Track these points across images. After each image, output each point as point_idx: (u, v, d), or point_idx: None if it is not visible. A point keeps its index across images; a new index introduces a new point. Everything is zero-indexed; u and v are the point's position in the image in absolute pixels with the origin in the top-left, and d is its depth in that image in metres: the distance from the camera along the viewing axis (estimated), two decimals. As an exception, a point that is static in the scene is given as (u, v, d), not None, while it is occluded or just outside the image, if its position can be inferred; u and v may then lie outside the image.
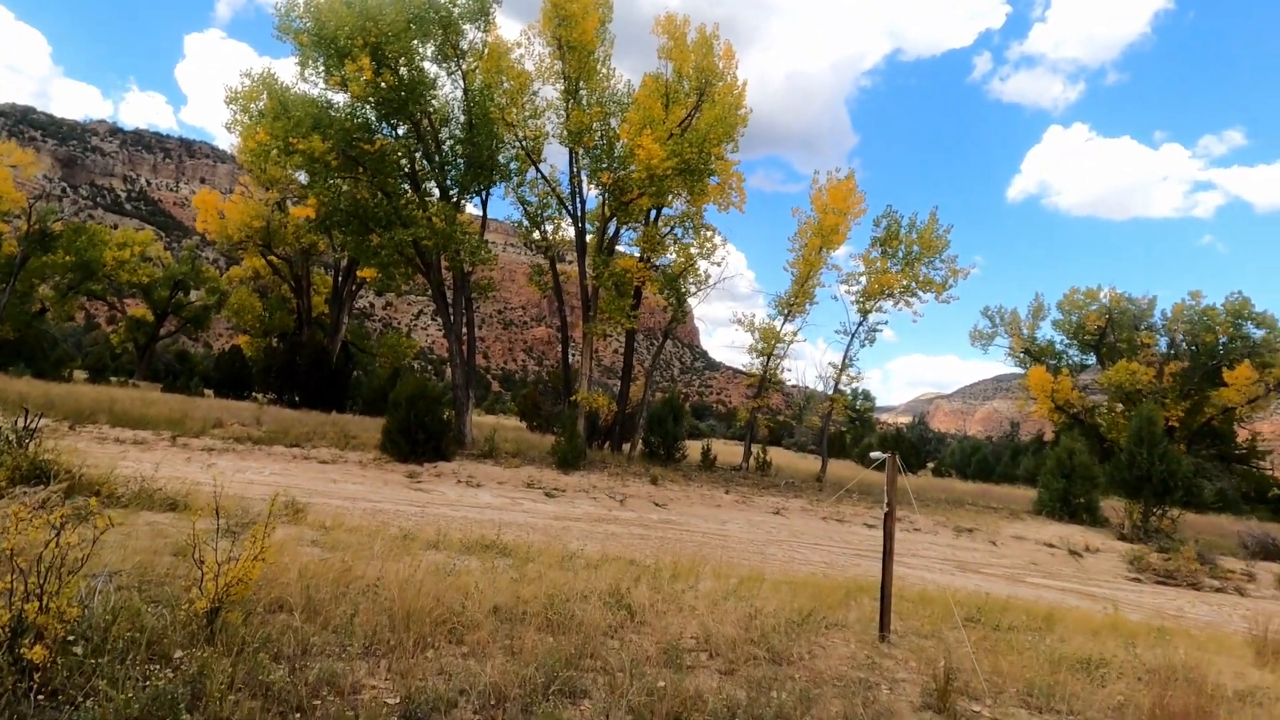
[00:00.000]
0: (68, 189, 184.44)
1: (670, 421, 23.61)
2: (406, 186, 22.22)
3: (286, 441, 19.76)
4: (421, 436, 19.77)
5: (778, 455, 39.98)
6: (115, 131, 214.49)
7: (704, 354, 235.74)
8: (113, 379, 45.46)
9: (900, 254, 25.89)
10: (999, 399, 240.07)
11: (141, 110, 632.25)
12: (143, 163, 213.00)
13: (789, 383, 29.73)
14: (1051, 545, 18.00)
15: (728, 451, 29.60)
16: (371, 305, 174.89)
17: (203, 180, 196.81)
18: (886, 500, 6.16)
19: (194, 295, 51.93)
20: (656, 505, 18.83)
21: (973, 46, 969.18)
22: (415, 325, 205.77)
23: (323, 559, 5.92)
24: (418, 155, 22.37)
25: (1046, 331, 42.07)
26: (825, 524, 18.56)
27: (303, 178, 21.87)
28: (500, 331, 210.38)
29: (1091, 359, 41.07)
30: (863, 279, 26.43)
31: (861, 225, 27.40)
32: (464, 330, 23.20)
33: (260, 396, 36.95)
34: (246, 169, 33.53)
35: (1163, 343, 38.54)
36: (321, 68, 19.80)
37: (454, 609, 5.02)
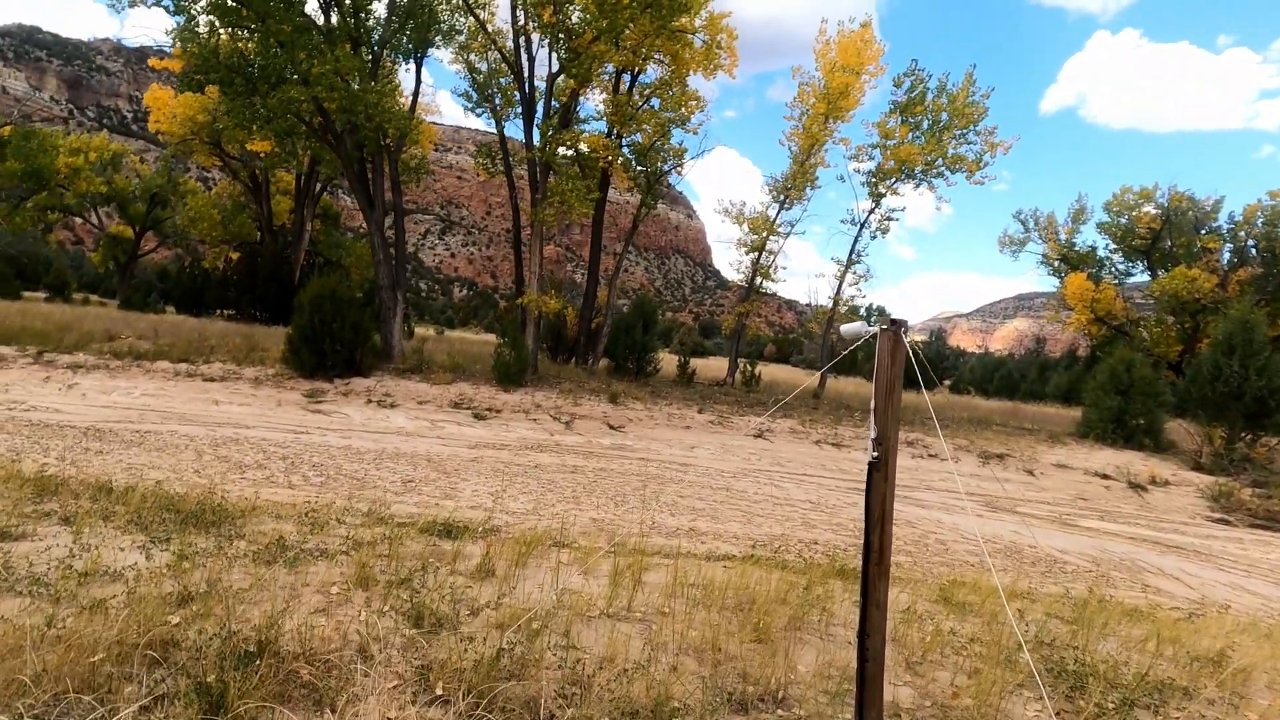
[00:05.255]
0: (74, 110, 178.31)
1: (639, 330, 19.68)
2: (315, 35, 17.74)
3: (174, 356, 16.55)
4: (332, 347, 16.33)
5: (781, 373, 36.34)
6: (119, 50, 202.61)
7: (716, 273, 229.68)
8: (92, 299, 42.72)
9: (925, 124, 20.70)
10: (1021, 318, 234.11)
11: (143, 25, 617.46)
12: (147, 82, 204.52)
13: (801, 302, 25.53)
14: (1105, 476, 14.27)
15: (714, 366, 25.86)
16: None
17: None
18: (873, 425, 2.42)
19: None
20: (611, 428, 15.30)
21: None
22: (422, 245, 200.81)
23: None
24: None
25: (1088, 237, 36.97)
26: (818, 449, 14.96)
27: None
28: (509, 250, 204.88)
29: (1136, 270, 36.14)
30: (876, 153, 21.26)
31: (878, 90, 22.19)
32: (384, 219, 19.24)
33: (222, 314, 34.05)
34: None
35: (1226, 250, 33.33)
36: None
37: None
